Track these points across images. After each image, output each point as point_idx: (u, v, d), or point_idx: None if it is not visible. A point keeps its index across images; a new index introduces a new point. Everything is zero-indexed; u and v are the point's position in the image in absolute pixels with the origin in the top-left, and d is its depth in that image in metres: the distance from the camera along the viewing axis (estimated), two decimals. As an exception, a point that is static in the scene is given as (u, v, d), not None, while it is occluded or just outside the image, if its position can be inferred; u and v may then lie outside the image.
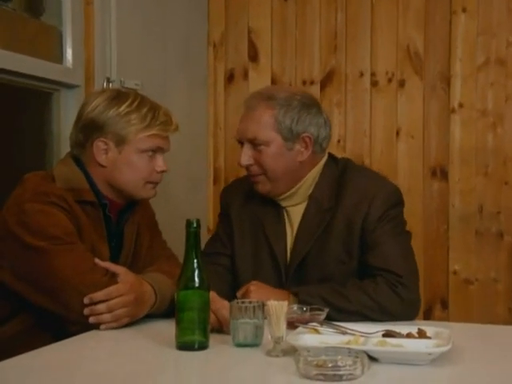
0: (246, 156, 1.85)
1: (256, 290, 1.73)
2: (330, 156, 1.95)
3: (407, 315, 1.73)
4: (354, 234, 1.82)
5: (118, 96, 1.73)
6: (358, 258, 1.83)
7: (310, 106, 1.86)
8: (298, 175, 1.87)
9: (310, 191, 1.88)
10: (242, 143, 1.87)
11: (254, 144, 1.84)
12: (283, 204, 1.91)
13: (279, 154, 1.83)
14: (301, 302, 1.68)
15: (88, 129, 1.71)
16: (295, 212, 1.89)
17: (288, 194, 1.88)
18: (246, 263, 1.92)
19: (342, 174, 1.89)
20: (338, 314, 1.67)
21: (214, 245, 1.99)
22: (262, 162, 1.84)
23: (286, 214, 1.91)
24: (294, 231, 1.88)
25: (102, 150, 1.71)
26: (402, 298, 1.73)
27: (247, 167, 1.87)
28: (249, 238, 1.93)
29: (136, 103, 1.71)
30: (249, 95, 1.93)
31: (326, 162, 1.91)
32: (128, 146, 1.71)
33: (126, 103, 1.70)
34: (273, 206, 1.92)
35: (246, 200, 1.96)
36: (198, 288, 1.42)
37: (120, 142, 1.70)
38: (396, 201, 1.87)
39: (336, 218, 1.84)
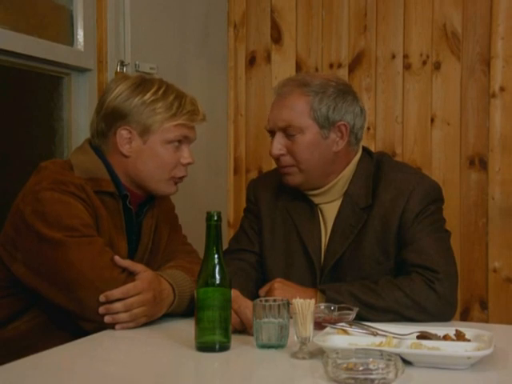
0: (279, 145, 1.85)
1: (281, 288, 1.74)
2: (365, 150, 1.95)
3: (444, 314, 1.72)
4: (391, 233, 1.82)
5: (143, 83, 1.74)
6: (394, 258, 1.83)
7: (346, 93, 1.87)
8: (332, 168, 1.87)
9: (345, 188, 1.89)
10: (272, 133, 1.87)
11: (287, 132, 1.84)
12: (316, 201, 1.91)
13: (314, 143, 1.83)
14: (329, 300, 1.68)
15: (111, 117, 1.73)
16: (329, 210, 1.89)
17: (322, 190, 1.89)
18: (277, 262, 1.92)
19: (377, 169, 1.90)
20: (369, 311, 1.67)
21: (239, 241, 1.99)
22: (295, 151, 1.83)
23: (319, 212, 1.91)
24: (329, 230, 1.89)
25: (125, 139, 1.72)
26: (439, 295, 1.72)
27: (278, 158, 1.87)
28: (280, 236, 1.94)
29: (161, 91, 1.72)
30: (280, 82, 1.92)
31: (360, 157, 1.91)
32: (153, 136, 1.72)
33: (151, 91, 1.72)
34: (305, 203, 1.92)
35: (277, 195, 1.97)
36: (219, 285, 1.42)
37: (145, 131, 1.72)
38: (436, 197, 1.86)
39: (372, 216, 1.84)
